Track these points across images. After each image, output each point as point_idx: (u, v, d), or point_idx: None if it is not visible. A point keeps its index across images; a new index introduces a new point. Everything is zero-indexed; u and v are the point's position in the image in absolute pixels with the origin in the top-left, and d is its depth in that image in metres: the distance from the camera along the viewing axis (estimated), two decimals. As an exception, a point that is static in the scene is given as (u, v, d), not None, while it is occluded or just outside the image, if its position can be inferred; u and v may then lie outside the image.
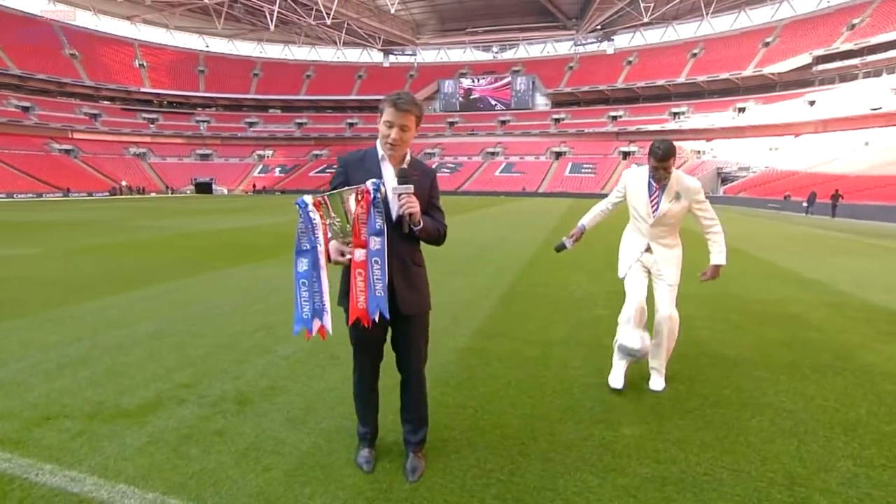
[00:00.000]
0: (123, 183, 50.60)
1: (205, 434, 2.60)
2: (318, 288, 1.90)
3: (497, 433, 2.58)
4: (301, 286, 1.89)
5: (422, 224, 2.05)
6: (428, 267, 2.30)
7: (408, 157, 2.15)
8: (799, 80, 49.13)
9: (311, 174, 59.71)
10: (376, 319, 2.00)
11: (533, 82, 64.37)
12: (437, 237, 2.16)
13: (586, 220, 3.33)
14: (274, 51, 74.38)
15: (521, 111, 64.14)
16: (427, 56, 74.44)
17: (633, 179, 3.13)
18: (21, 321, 4.70)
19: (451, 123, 65.83)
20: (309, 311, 1.91)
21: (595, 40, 66.63)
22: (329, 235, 1.97)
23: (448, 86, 67.65)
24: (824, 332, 4.48)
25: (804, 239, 13.26)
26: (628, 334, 3.05)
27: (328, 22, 58.65)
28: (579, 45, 67.58)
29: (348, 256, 1.94)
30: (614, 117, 58.87)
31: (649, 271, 3.18)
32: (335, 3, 55.43)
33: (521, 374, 3.38)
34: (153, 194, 51.01)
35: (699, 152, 51.14)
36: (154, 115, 62.45)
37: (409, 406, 2.29)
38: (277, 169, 62.24)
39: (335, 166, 2.19)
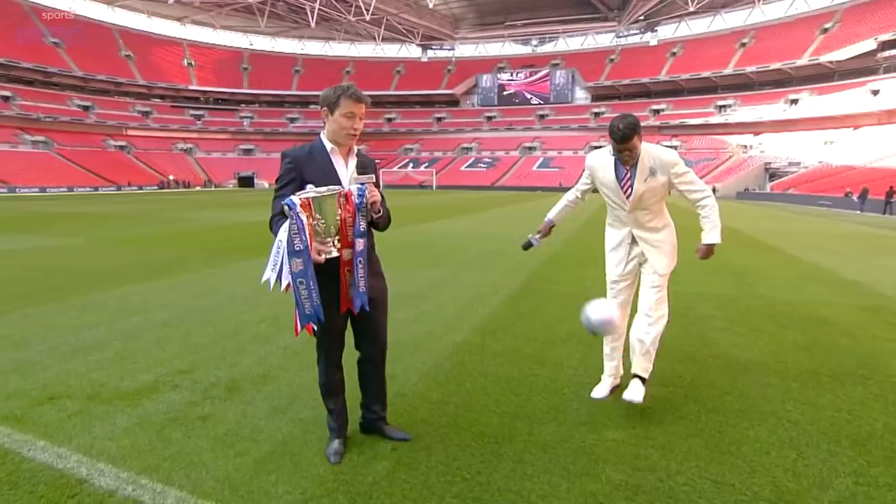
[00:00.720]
0: (171, 177, 52.89)
1: (190, 419, 2.68)
2: (313, 286, 1.97)
3: (474, 431, 2.54)
4: (299, 285, 1.95)
5: (381, 211, 2.22)
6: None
7: (355, 148, 2.26)
8: (861, 69, 46.06)
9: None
10: (356, 311, 2.21)
11: (572, 76, 63.12)
12: (388, 222, 2.33)
13: (553, 213, 3.14)
14: (315, 47, 75.85)
15: (559, 105, 63.04)
16: (465, 50, 74.13)
17: (598, 163, 2.77)
18: (51, 306, 4.98)
19: (489, 118, 65.41)
20: (311, 308, 2.00)
21: (638, 32, 64.63)
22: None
23: (486, 80, 67.19)
24: (853, 337, 4.19)
25: (851, 237, 12.46)
26: (596, 304, 2.73)
27: (367, 18, 59.28)
28: (621, 36, 65.73)
29: (325, 256, 2.03)
30: (656, 111, 57.02)
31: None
32: (374, -1, 55.99)
33: (513, 372, 3.32)
34: (197, 188, 53.10)
35: (746, 147, 48.87)
36: (200, 112, 64.89)
37: (378, 384, 2.43)
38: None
39: (286, 161, 2.17)
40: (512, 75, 66.39)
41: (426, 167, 57.52)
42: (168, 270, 6.82)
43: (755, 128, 49.85)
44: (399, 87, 69.68)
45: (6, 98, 47.99)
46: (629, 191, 2.68)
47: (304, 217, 1.93)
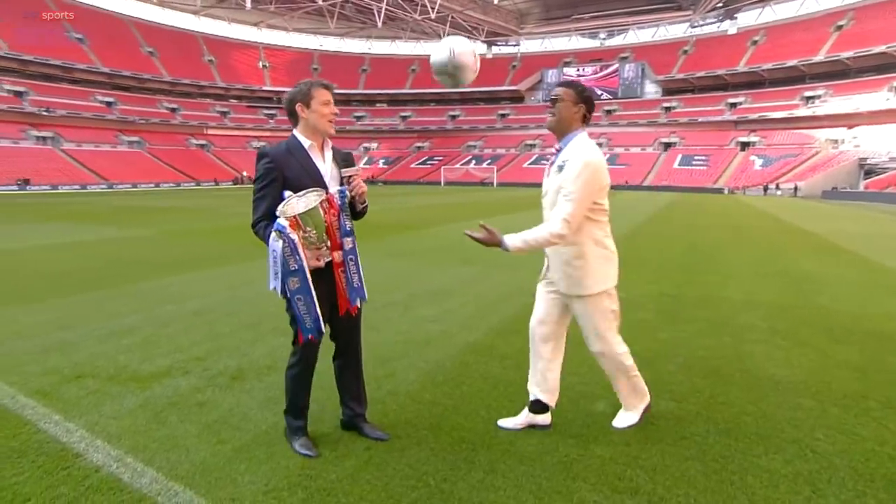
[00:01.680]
0: (244, 174, 56.11)
1: (189, 404, 2.80)
2: (311, 300, 2.06)
3: (454, 435, 2.46)
4: (298, 302, 2.05)
5: (366, 201, 2.33)
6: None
7: (329, 142, 2.29)
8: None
9: (412, 165, 61.63)
10: (359, 306, 2.34)
11: (642, 69, 60.33)
12: (366, 211, 2.39)
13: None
14: (381, 47, 77.53)
15: (628, 100, 60.47)
16: (530, 46, 72.89)
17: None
18: (103, 293, 5.42)
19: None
20: (311, 321, 2.09)
21: (715, 20, 60.57)
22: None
23: (551, 76, 65.73)
24: (922, 359, 3.67)
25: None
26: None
27: (432, 16, 59.72)
28: (696, 26, 61.91)
29: (324, 260, 2.14)
30: (733, 104, 53.24)
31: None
32: (439, -3, 56.36)
33: (515, 376, 3.19)
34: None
35: (835, 141, 44.45)
36: (273, 111, 68.23)
37: (355, 382, 2.46)
38: (381, 160, 65.05)
39: (264, 160, 2.16)
40: (578, 70, 64.48)
41: (488, 164, 57.21)
42: (212, 262, 7.22)
43: (850, 120, 45.21)
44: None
45: (109, 104, 52.86)
46: (546, 185, 2.36)
47: (295, 237, 1.99)
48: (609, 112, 60.60)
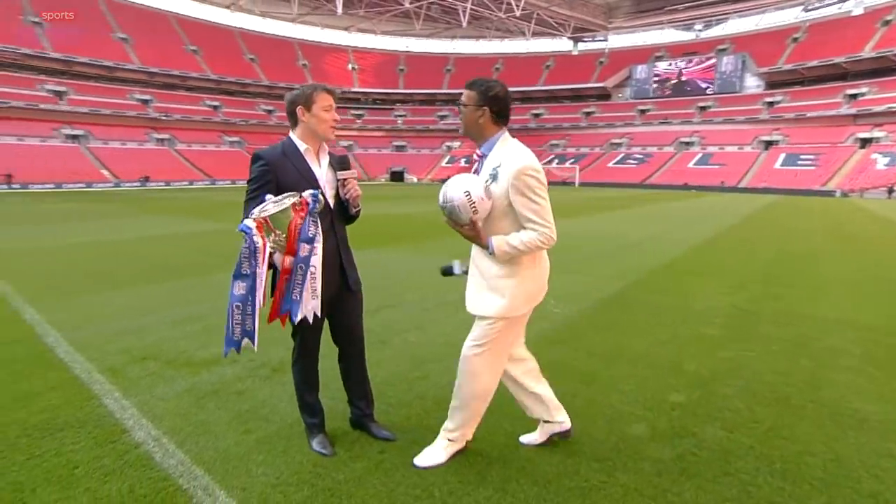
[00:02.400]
0: (333, 171, 59.21)
1: (228, 392, 2.96)
2: (251, 311, 1.95)
3: (471, 447, 2.38)
4: (235, 309, 1.93)
5: (360, 206, 2.31)
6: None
7: (325, 146, 2.26)
8: None
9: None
10: (290, 320, 2.12)
11: (743, 61, 55.44)
12: (359, 215, 2.37)
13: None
14: (465, 47, 78.00)
15: (725, 95, 55.92)
16: (618, 41, 69.72)
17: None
18: (184, 281, 5.91)
19: (643, 112, 60.83)
20: (240, 333, 1.98)
21: (836, 0, 54.19)
22: (270, 250, 1.98)
23: (640, 71, 62.52)
24: None
25: None
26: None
27: (517, 14, 59.11)
28: (811, 9, 55.80)
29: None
30: (853, 96, 47.33)
31: None
32: (524, -6, 55.64)
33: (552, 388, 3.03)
34: (355, 182, 58.59)
35: None
36: (361, 112, 71.12)
37: (359, 380, 2.46)
38: (463, 160, 65.56)
39: (259, 163, 2.11)
40: (670, 65, 60.70)
41: (571, 163, 55.53)
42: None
43: None
44: (548, 81, 68.38)
45: (215, 107, 57.96)
46: None
47: (258, 240, 1.88)
48: (703, 108, 56.49)
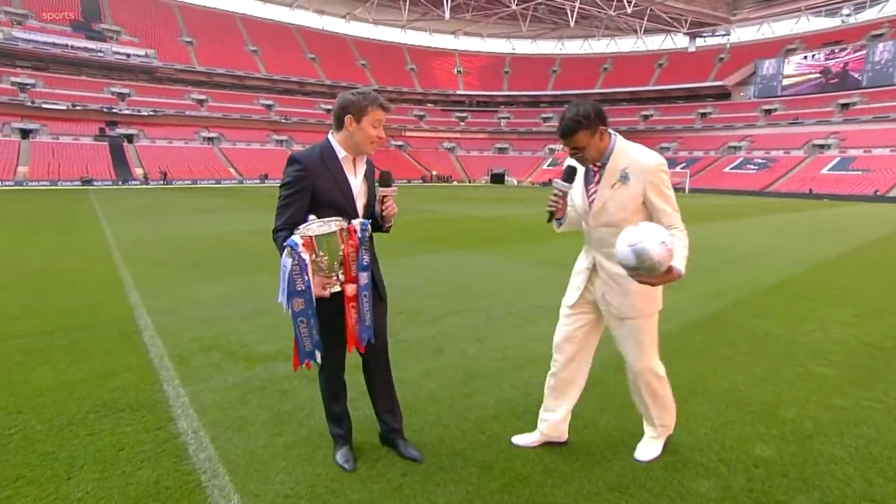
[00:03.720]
0: (433, 172, 60.44)
1: (274, 390, 2.99)
2: (313, 323, 1.97)
3: (501, 481, 2.14)
4: (300, 324, 1.96)
5: (392, 223, 2.24)
6: None
7: (364, 156, 2.15)
8: None
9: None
10: (362, 348, 2.16)
11: (905, 49, 47.60)
12: (390, 231, 2.31)
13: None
14: (573, 46, 75.93)
15: (876, 89, 48.32)
16: (743, 34, 63.57)
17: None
18: (268, 275, 6.24)
19: (767, 111, 54.75)
20: (310, 345, 2.01)
21: None
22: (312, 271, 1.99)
23: (767, 67, 56.25)
24: None
25: None
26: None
27: (629, 10, 56.23)
28: None
29: (329, 290, 2.00)
30: None
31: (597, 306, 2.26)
32: (637, -12, 52.71)
33: (609, 423, 2.67)
34: (455, 182, 59.30)
35: None
36: (464, 114, 72.06)
37: (384, 392, 2.34)
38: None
39: (295, 166, 2.03)
40: (806, 57, 53.86)
41: (682, 168, 51.54)
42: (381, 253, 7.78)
43: None
44: (659, 81, 64.20)
45: (328, 110, 62.13)
46: (593, 197, 2.14)
47: (306, 256, 1.90)
48: (845, 106, 49.39)
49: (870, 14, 54.67)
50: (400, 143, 66.17)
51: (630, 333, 2.19)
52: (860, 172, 40.80)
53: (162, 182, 40.17)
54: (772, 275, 6.86)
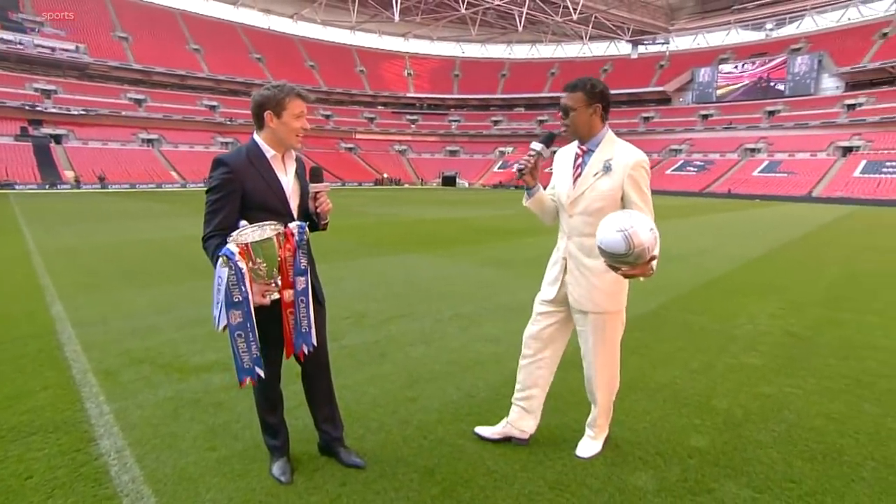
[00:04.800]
0: (385, 175, 59.99)
1: (208, 402, 2.84)
2: (252, 338, 1.87)
3: (443, 486, 2.11)
4: (237, 338, 1.86)
5: (328, 219, 2.17)
6: None
7: (293, 153, 2.08)
8: None
9: (546, 170, 60.12)
10: (306, 352, 2.07)
11: (818, 61, 51.50)
12: (326, 228, 2.24)
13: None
14: (521, 51, 77.33)
15: (796, 98, 52.13)
16: (681, 43, 66.88)
17: (563, 153, 2.30)
18: (200, 283, 5.95)
19: (704, 116, 57.91)
20: (249, 361, 1.91)
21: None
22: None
23: (703, 74, 59.56)
24: None
25: None
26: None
27: (575, 17, 57.93)
28: (906, 4, 51.11)
29: (269, 298, 1.92)
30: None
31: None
32: (582, -3, 54.45)
33: (553, 421, 2.70)
34: (406, 185, 59.10)
35: None
36: (415, 117, 71.93)
37: (329, 404, 2.27)
38: (516, 165, 64.77)
39: (221, 169, 1.94)
40: (736, 67, 57.44)
41: (624, 170, 53.68)
42: (342, 255, 7.59)
43: None
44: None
45: (213, 107, 60.39)
46: (576, 182, 2.19)
47: (243, 265, 1.79)
48: (771, 113, 53.01)
49: (790, 29, 58.86)
50: (350, 145, 65.30)
51: (592, 328, 2.21)
52: (786, 175, 43.86)
53: (99, 186, 37.73)
54: (707, 272, 7.21)
